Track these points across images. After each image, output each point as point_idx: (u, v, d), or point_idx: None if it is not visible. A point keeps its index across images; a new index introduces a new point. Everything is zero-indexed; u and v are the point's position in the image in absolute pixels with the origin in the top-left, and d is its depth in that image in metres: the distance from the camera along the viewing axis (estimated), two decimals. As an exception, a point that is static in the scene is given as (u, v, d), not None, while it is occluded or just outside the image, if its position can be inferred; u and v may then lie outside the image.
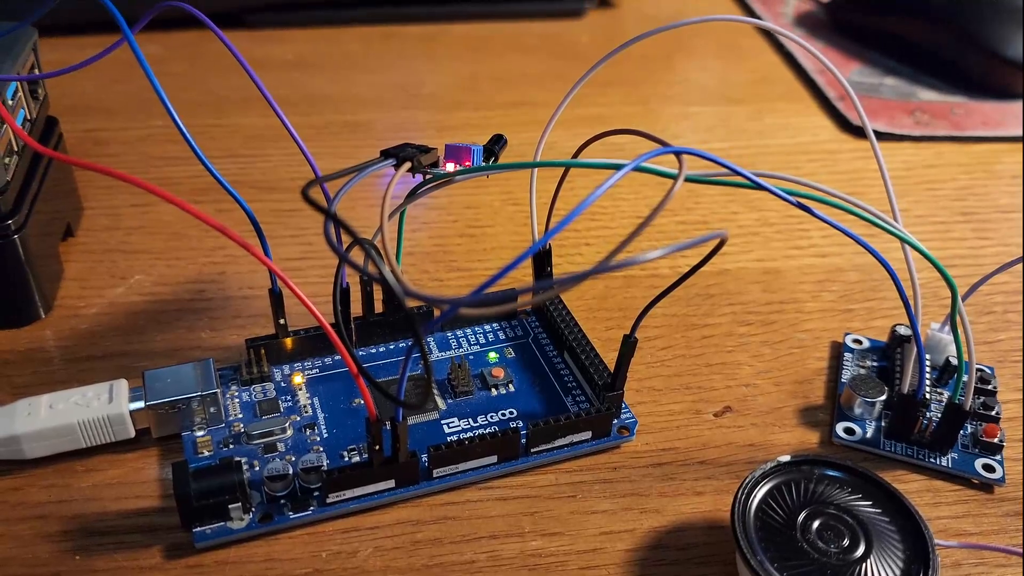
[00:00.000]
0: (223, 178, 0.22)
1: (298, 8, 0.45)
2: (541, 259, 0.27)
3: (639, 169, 0.19)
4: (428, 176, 0.22)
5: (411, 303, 0.26)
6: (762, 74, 0.44)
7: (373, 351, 0.26)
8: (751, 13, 0.50)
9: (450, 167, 0.23)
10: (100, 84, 0.40)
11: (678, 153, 0.20)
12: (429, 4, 0.46)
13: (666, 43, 0.47)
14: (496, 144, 0.26)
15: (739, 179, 0.20)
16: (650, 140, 0.22)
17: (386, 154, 0.21)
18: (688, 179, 0.19)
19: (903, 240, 0.22)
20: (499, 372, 0.25)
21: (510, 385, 0.25)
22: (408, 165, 0.21)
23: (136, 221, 0.32)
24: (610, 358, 0.25)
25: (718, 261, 0.32)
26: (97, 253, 0.30)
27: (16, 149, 0.26)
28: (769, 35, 0.48)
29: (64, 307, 0.28)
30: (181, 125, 0.21)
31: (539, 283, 0.27)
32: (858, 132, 0.39)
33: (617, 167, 0.21)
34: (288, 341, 0.25)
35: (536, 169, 0.27)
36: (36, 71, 0.28)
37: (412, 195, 0.23)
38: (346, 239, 0.18)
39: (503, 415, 0.24)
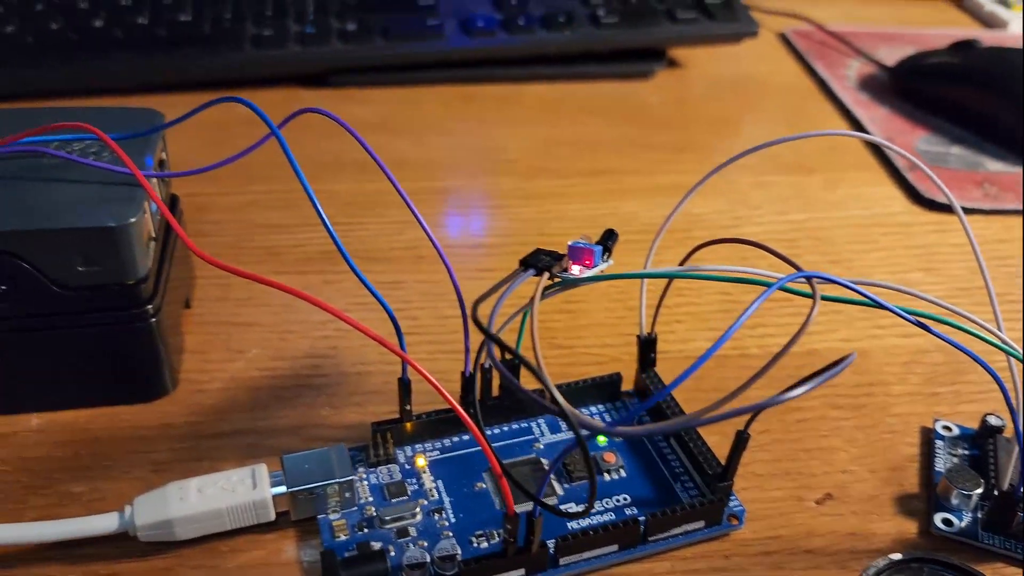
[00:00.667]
0: (364, 277, 0.24)
1: (380, 71, 0.46)
2: (647, 345, 0.28)
3: (782, 289, 0.21)
4: (557, 280, 0.24)
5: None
6: (831, 141, 0.45)
7: (488, 433, 0.28)
8: (813, 74, 0.51)
9: (576, 270, 0.24)
10: (196, 146, 0.42)
11: (809, 278, 0.21)
12: (505, 66, 0.47)
13: (735, 106, 0.48)
14: (609, 240, 0.27)
15: (862, 299, 0.22)
16: (772, 255, 0.23)
17: (526, 264, 0.23)
18: (812, 296, 0.21)
19: (1009, 353, 0.23)
20: (611, 457, 0.27)
21: (621, 470, 0.27)
22: (547, 277, 0.23)
23: (244, 292, 0.33)
24: (711, 441, 0.26)
25: (806, 341, 0.33)
26: (212, 325, 0.32)
27: (154, 235, 0.27)
28: (835, 99, 0.49)
29: (188, 381, 0.29)
30: (321, 213, 0.23)
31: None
32: (930, 204, 0.40)
33: (736, 280, 0.23)
34: (409, 424, 0.27)
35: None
36: (164, 155, 0.30)
37: (541, 297, 0.25)
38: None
39: (618, 501, 0.26)
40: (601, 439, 0.28)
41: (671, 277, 0.25)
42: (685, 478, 0.26)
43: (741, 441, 0.24)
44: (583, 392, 0.29)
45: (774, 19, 0.56)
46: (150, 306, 0.27)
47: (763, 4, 0.54)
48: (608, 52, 0.48)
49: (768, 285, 0.21)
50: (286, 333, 0.31)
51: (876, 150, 0.44)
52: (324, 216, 0.23)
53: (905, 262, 0.37)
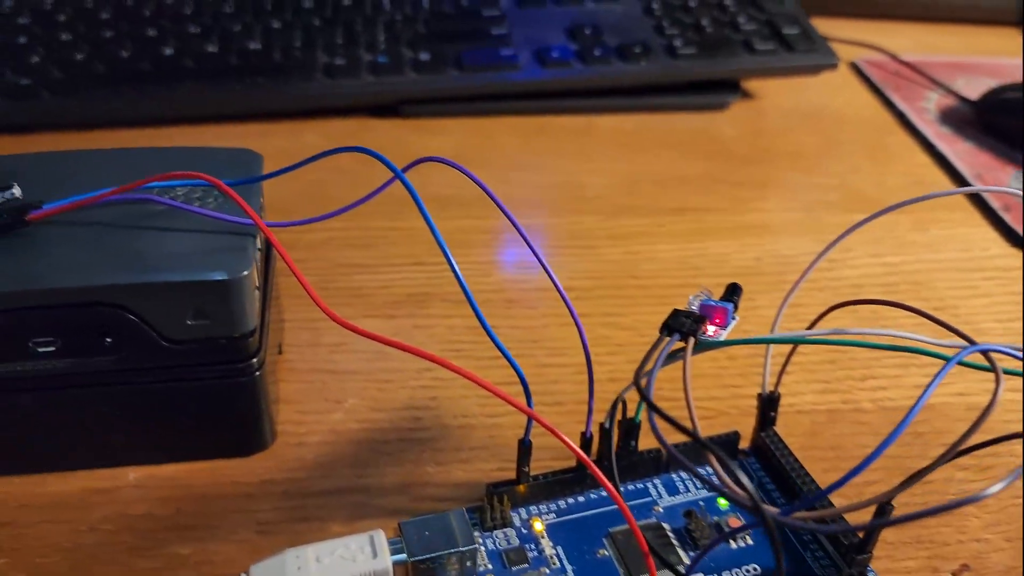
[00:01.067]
0: (496, 336, 0.23)
1: (453, 101, 0.45)
2: (768, 404, 0.27)
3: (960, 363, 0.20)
4: (695, 344, 0.22)
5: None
6: (916, 177, 0.44)
7: (596, 496, 0.26)
8: (890, 106, 0.50)
9: (711, 330, 0.23)
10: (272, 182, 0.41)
11: (986, 352, 0.20)
12: (578, 98, 0.46)
13: (813, 140, 0.47)
14: (735, 295, 0.26)
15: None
16: (925, 318, 0.22)
17: (670, 329, 0.22)
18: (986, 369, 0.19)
19: None
20: (736, 522, 0.26)
21: (747, 536, 0.25)
22: (693, 341, 0.22)
23: (336, 337, 0.32)
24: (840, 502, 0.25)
25: (917, 394, 0.32)
26: (305, 372, 0.31)
27: (258, 285, 0.26)
28: (915, 132, 0.47)
29: (286, 434, 0.28)
30: (454, 265, 0.22)
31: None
32: (1028, 246, 0.39)
33: (890, 348, 0.22)
34: (523, 486, 0.26)
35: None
36: (262, 200, 0.29)
37: (671, 358, 0.23)
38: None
39: (747, 572, 0.24)
40: (722, 502, 0.27)
41: (822, 343, 0.23)
42: (814, 546, 0.25)
43: (884, 512, 0.23)
44: (699, 453, 0.27)
45: (844, 48, 0.55)
46: (255, 359, 0.26)
47: (833, 33, 0.53)
48: (684, 84, 0.47)
49: (937, 356, 0.20)
50: (383, 382, 0.30)
51: (965, 184, 0.43)
52: (455, 266, 0.22)
53: (1010, 309, 0.36)
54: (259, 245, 0.27)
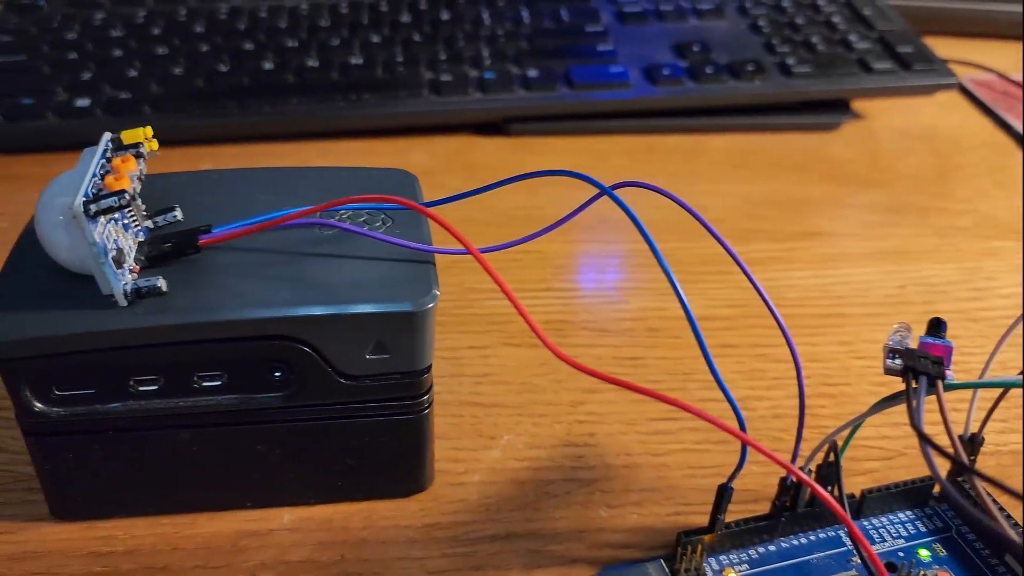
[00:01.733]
0: (717, 372, 0.21)
1: (562, 119, 0.44)
2: (969, 448, 0.25)
3: None
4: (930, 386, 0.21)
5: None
6: (1047, 199, 0.42)
7: (794, 544, 0.24)
8: (1005, 127, 0.48)
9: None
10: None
11: None
12: (687, 116, 0.45)
13: (932, 162, 0.45)
14: (941, 330, 0.24)
15: None
16: None
17: (915, 372, 0.20)
18: None
19: None
20: (945, 575, 0.24)
21: (959, 593, 0.23)
22: (941, 384, 0.20)
23: (479, 368, 0.31)
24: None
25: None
26: (452, 405, 0.29)
27: (428, 315, 0.25)
28: (1037, 156, 0.46)
29: (444, 472, 0.27)
30: (678, 289, 0.20)
31: None
32: None
33: None
34: (711, 535, 0.24)
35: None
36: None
37: (883, 404, 0.22)
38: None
39: (967, 632, 0.23)
40: (924, 552, 0.25)
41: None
42: (1037, 603, 0.23)
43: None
44: (891, 499, 0.25)
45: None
46: (427, 396, 0.24)
47: (936, 52, 0.51)
48: (795, 103, 0.45)
49: None
50: (537, 417, 0.29)
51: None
52: (680, 290, 0.21)
53: None
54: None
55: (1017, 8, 0.57)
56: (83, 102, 0.41)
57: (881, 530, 0.25)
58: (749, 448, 0.21)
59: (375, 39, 0.46)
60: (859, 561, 0.24)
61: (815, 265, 0.37)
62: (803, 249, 0.38)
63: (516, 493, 0.26)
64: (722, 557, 0.24)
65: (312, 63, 0.44)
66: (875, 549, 0.25)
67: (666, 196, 0.23)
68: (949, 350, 0.22)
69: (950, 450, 0.19)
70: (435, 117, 0.42)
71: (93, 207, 0.20)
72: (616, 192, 0.23)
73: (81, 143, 0.24)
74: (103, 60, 0.44)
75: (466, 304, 0.33)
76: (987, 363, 0.24)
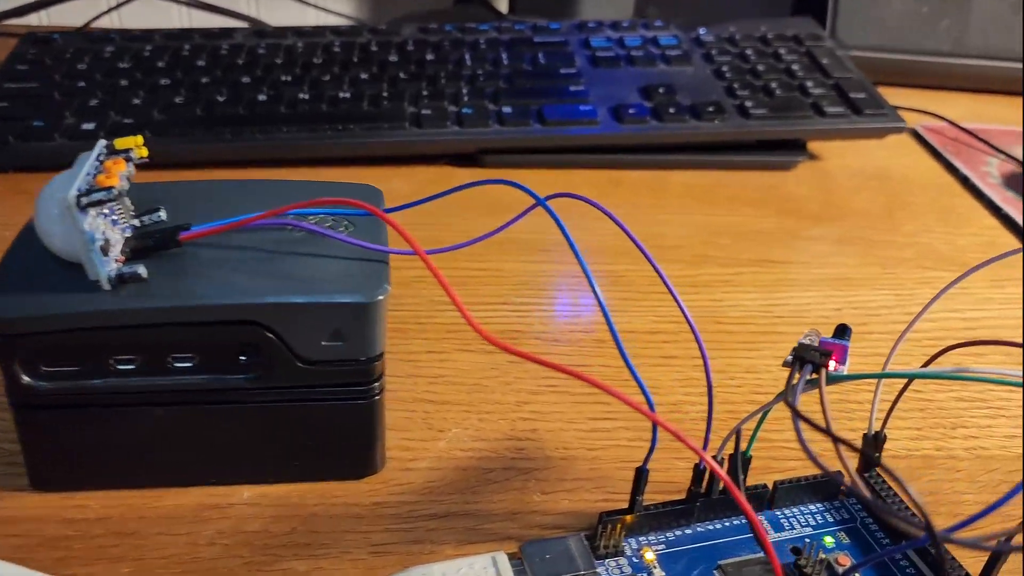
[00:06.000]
0: (632, 366, 0.24)
1: (534, 152, 0.47)
2: (873, 444, 0.28)
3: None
4: (815, 376, 0.23)
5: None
6: (987, 239, 0.45)
7: (708, 528, 0.27)
8: (953, 170, 0.51)
9: (832, 365, 0.24)
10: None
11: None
12: (652, 153, 0.48)
13: (882, 200, 0.48)
14: (845, 335, 0.26)
15: None
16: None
17: (801, 360, 0.23)
18: None
19: None
20: (845, 560, 0.26)
21: (857, 574, 0.26)
22: (824, 371, 0.22)
23: (435, 370, 0.33)
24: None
25: (1008, 444, 0.32)
26: (407, 402, 0.32)
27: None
28: (981, 196, 0.49)
29: (395, 459, 0.29)
30: (602, 301, 0.23)
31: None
32: (1104, 307, 0.39)
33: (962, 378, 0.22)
34: (631, 516, 0.26)
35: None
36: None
37: (782, 395, 0.24)
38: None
39: (861, 609, 0.25)
40: (828, 540, 0.27)
41: (949, 379, 0.24)
42: (922, 585, 0.25)
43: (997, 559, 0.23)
44: (802, 491, 0.28)
45: (902, 115, 0.57)
46: (377, 383, 0.27)
47: (892, 101, 0.54)
48: (753, 143, 0.49)
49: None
50: (484, 414, 0.31)
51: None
52: (603, 302, 0.23)
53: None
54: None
55: (971, 62, 0.60)
56: (89, 126, 0.45)
57: (791, 519, 0.27)
58: (677, 443, 0.23)
59: (363, 75, 0.50)
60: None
61: (761, 289, 0.39)
62: (751, 274, 0.40)
63: (459, 478, 0.28)
64: (641, 538, 0.26)
65: (303, 96, 0.48)
66: (783, 536, 0.27)
67: (599, 209, 0.26)
68: (844, 349, 0.24)
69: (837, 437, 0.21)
70: (415, 147, 0.46)
71: (84, 200, 0.23)
72: (565, 210, 0.26)
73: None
74: (110, 88, 0.47)
75: (429, 315, 0.36)
76: (887, 360, 0.27)
